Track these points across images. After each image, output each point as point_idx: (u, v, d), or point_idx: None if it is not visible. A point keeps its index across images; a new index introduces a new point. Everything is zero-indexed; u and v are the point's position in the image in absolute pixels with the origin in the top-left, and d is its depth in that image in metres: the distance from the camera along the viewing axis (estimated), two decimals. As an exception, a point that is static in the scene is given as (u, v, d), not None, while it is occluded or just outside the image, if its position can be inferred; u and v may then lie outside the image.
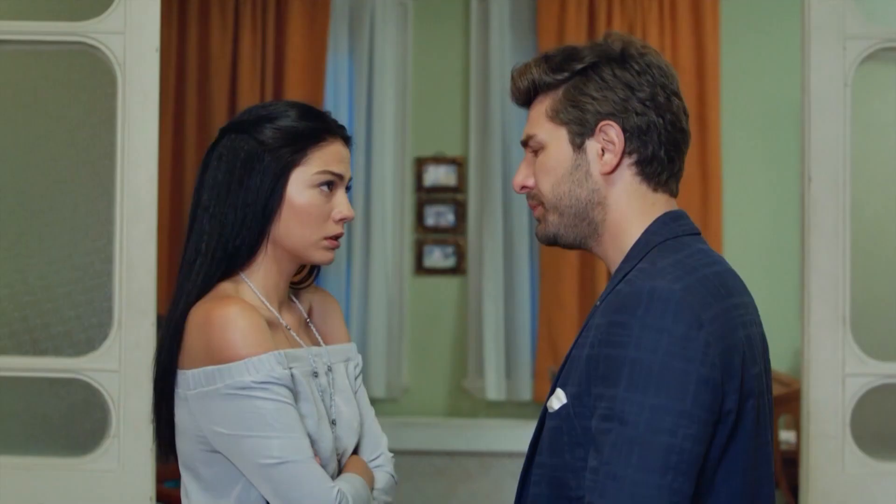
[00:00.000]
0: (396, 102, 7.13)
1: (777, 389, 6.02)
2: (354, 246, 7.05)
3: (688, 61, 6.86)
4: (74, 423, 3.71)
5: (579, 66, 2.01)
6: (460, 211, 7.13)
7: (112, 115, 3.62)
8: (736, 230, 6.95)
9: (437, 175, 7.14)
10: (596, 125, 2.00)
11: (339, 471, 2.28)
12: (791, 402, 5.03)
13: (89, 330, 3.65)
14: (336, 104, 7.08)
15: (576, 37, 6.76)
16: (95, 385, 3.62)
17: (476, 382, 7.06)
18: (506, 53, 7.02)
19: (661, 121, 2.00)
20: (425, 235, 7.17)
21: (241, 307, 2.13)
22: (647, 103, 2.00)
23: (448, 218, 7.16)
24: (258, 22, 6.93)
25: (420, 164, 7.16)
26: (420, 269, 7.17)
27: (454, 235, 7.16)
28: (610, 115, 2.00)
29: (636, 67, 2.01)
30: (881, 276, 3.76)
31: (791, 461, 5.00)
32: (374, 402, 6.99)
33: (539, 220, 2.09)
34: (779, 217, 6.82)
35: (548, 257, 6.82)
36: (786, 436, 5.42)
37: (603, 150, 2.01)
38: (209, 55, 6.93)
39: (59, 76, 3.78)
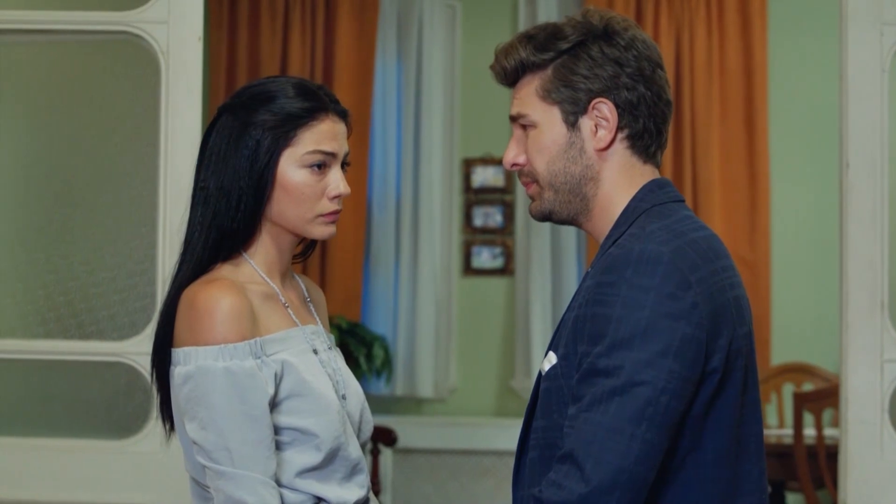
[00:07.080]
0: (444, 104, 7.17)
1: (821, 384, 5.99)
2: (403, 246, 7.09)
3: (735, 61, 6.85)
4: (118, 406, 3.76)
5: (566, 46, 2.03)
6: (508, 212, 7.15)
7: (155, 103, 3.67)
8: (784, 230, 6.91)
9: (486, 176, 7.17)
10: (589, 103, 2.03)
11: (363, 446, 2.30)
12: (835, 397, 5.00)
13: (133, 314, 3.71)
14: (384, 106, 7.14)
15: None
16: (139, 368, 3.67)
17: (523, 382, 7.06)
18: (554, 55, 7.02)
19: (649, 93, 2.03)
20: (473, 236, 7.20)
21: (225, 291, 2.12)
22: (636, 77, 2.02)
23: (496, 219, 7.18)
24: (307, 25, 7.01)
25: (468, 165, 7.19)
26: (468, 269, 7.19)
27: (502, 236, 7.19)
28: (602, 92, 2.02)
29: (622, 43, 2.02)
30: (920, 261, 3.75)
31: (835, 456, 4.96)
32: (421, 401, 7.12)
33: (533, 198, 2.11)
34: (827, 218, 6.74)
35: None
36: (830, 432, 5.38)
37: (597, 127, 2.03)
38: (259, 58, 7.01)
39: (103, 65, 3.86)
